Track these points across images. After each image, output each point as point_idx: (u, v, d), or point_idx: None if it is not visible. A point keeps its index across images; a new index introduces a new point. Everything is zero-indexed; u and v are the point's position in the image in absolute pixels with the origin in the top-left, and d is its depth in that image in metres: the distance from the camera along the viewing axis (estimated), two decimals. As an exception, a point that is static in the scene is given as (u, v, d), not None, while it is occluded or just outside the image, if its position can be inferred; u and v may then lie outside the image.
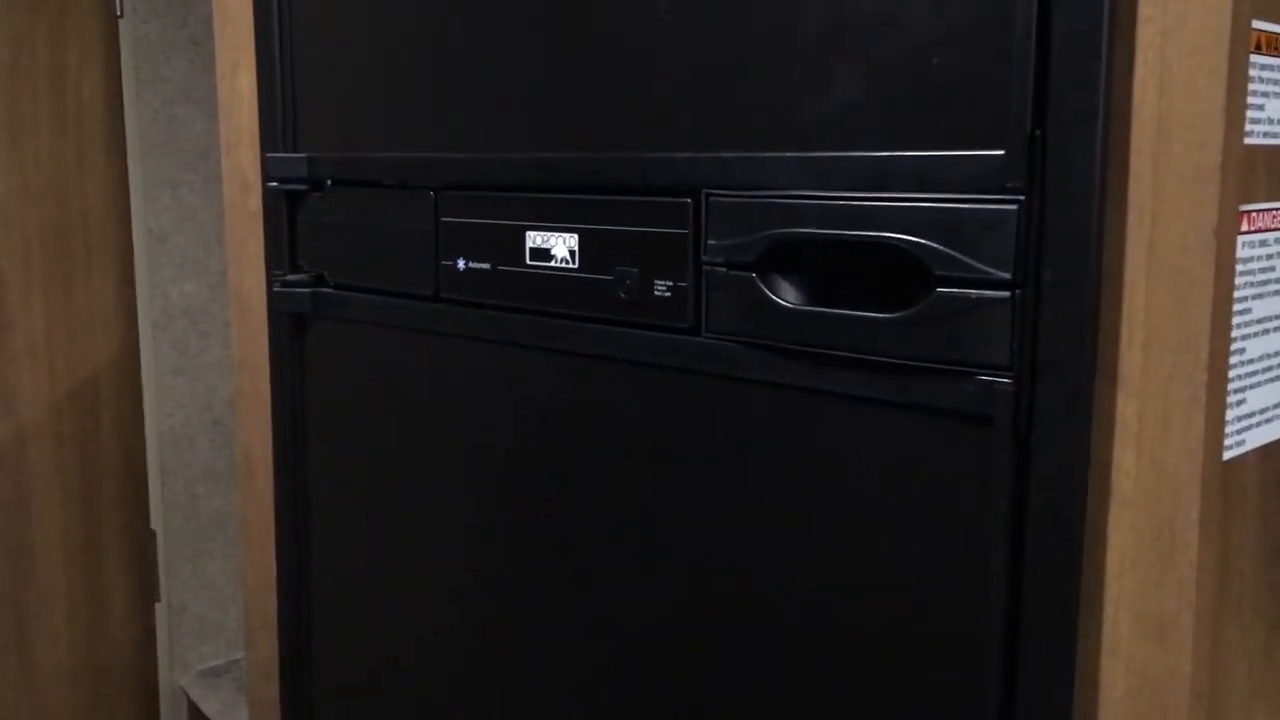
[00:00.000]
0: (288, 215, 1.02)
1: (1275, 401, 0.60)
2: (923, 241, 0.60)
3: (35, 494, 1.98)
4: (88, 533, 2.05)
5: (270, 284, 1.05)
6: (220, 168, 1.16)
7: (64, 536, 2.02)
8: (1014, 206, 0.57)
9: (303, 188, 1.00)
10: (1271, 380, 0.59)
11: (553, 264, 0.80)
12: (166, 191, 2.04)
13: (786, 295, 0.67)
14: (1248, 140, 0.54)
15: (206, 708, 2.05)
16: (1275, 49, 0.55)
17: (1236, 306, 0.55)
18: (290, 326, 1.05)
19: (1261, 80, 0.54)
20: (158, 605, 2.13)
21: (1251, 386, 0.58)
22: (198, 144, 2.06)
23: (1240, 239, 0.55)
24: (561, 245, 0.79)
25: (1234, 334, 0.56)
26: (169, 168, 2.04)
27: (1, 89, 1.88)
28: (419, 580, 0.96)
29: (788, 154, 0.66)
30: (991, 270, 0.58)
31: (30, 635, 2.00)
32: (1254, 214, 0.56)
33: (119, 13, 1.96)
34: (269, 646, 1.16)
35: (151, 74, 2.00)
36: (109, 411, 2.05)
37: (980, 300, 0.58)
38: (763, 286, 0.67)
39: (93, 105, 1.97)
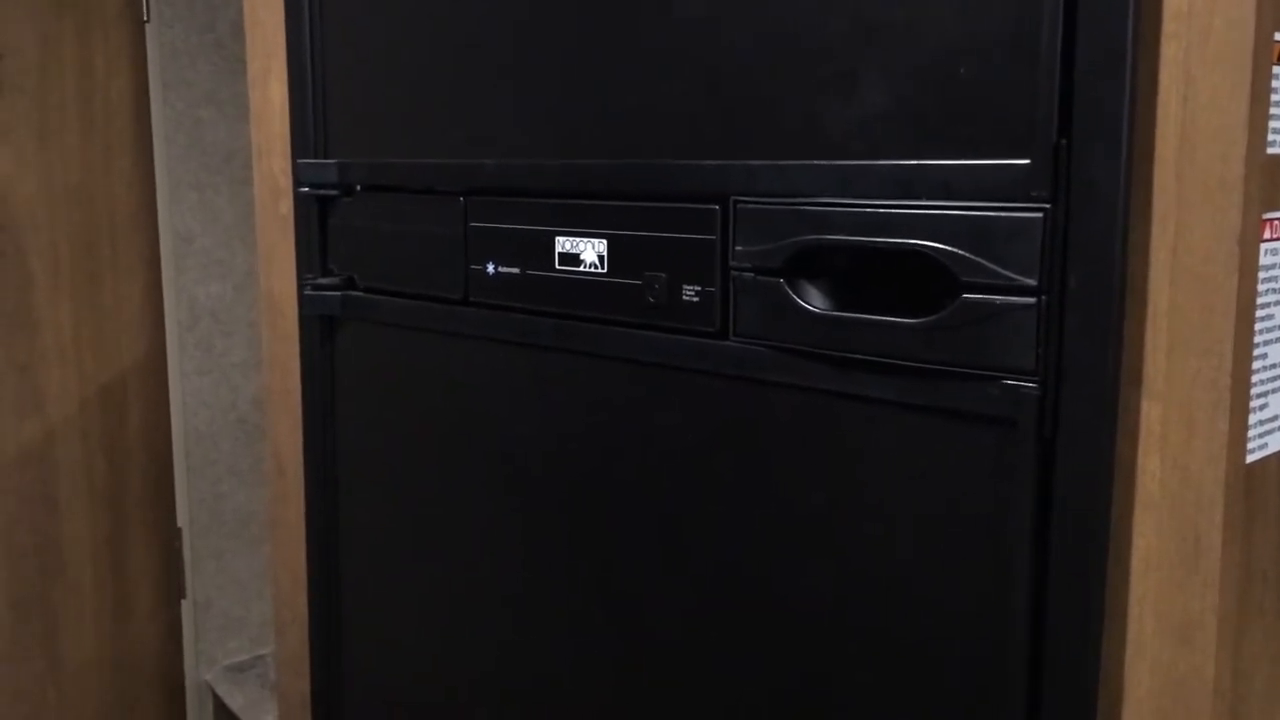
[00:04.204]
0: (318, 220, 1.04)
1: (1297, 406, 0.61)
2: (949, 248, 0.61)
3: (63, 492, 2.01)
4: (114, 530, 2.07)
5: (301, 287, 1.06)
6: (245, 170, 1.18)
7: (91, 534, 2.05)
8: (1039, 214, 0.58)
9: (333, 193, 1.02)
10: (1294, 385, 0.60)
11: (582, 269, 0.81)
12: (192, 193, 2.06)
13: (813, 300, 0.68)
14: (1270, 150, 0.55)
15: (232, 703, 2.07)
16: (1298, 60, 0.56)
17: (1259, 313, 0.56)
18: (320, 328, 1.06)
19: (1284, 91, 0.55)
20: (183, 601, 2.15)
21: (1274, 391, 0.59)
22: (222, 146, 2.08)
23: (1263, 246, 0.56)
24: (590, 250, 0.80)
25: (1256, 340, 0.56)
26: (194, 170, 2.06)
27: (30, 93, 1.90)
28: (446, 577, 0.98)
29: (815, 162, 0.67)
30: (1017, 277, 0.59)
31: (58, 631, 2.03)
32: (1276, 222, 0.56)
33: (145, 17, 1.99)
34: (299, 641, 1.18)
35: (177, 77, 2.02)
36: (136, 411, 2.08)
37: (1006, 306, 0.59)
38: (790, 291, 0.69)
39: (119, 108, 2.00)
